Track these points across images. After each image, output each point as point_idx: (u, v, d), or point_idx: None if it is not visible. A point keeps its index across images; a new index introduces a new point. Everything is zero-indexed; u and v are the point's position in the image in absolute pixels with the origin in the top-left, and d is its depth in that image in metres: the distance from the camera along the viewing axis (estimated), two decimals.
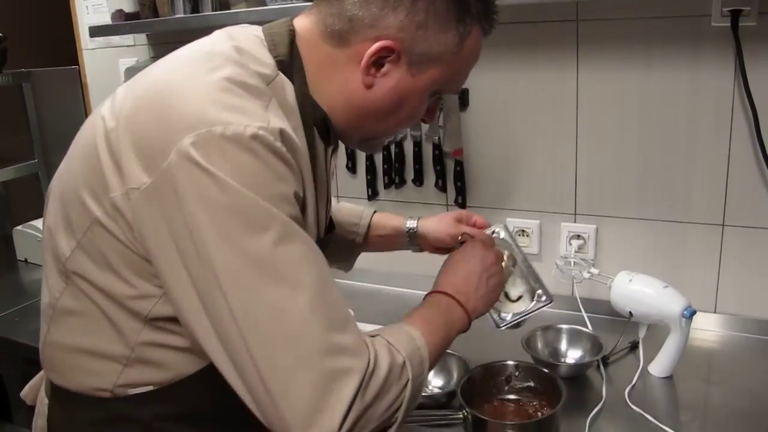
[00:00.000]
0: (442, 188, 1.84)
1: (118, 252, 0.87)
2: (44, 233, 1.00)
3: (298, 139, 0.89)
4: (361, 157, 1.93)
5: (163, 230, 0.82)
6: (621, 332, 1.50)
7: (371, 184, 1.92)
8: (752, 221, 1.57)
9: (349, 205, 1.47)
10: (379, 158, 1.89)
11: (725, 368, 1.48)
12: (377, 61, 0.95)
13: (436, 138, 1.79)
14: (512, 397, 1.32)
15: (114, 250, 0.88)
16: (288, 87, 0.95)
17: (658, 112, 1.60)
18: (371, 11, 0.93)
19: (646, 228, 1.67)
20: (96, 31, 2.11)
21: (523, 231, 1.79)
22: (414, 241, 1.43)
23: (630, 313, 1.44)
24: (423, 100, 1.01)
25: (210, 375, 0.87)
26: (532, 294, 1.31)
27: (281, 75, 0.94)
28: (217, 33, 0.98)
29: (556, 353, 1.51)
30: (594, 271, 1.57)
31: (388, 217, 1.45)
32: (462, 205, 1.82)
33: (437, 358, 1.00)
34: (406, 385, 0.89)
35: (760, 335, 1.59)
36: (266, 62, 0.94)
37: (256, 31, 0.99)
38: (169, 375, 0.93)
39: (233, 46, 0.92)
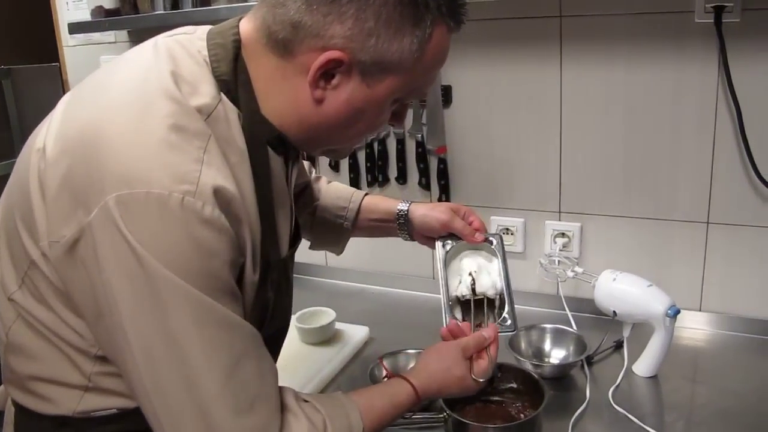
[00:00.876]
0: (426, 186, 1.83)
1: (56, 295, 0.85)
2: None
3: (243, 171, 0.87)
4: None
5: (85, 286, 0.81)
6: (605, 331, 1.48)
7: (354, 182, 1.90)
8: (737, 219, 1.56)
9: (340, 186, 1.41)
10: (362, 156, 1.87)
11: (710, 367, 1.47)
12: (326, 74, 0.87)
13: (420, 135, 1.78)
14: (495, 398, 1.30)
15: (52, 293, 0.86)
16: (231, 114, 0.88)
17: (642, 108, 1.59)
18: (316, 18, 0.84)
19: (631, 226, 1.66)
20: (76, 28, 2.09)
21: (507, 229, 1.78)
22: (404, 226, 1.36)
23: (614, 312, 1.42)
24: (382, 110, 0.94)
25: None
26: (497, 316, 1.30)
27: (223, 100, 0.88)
28: (157, 45, 0.91)
29: (540, 353, 1.50)
30: (578, 269, 1.56)
31: (379, 200, 1.39)
32: None
33: (376, 424, 0.99)
34: None
35: (745, 333, 1.58)
36: (205, 90, 0.87)
37: (200, 42, 0.92)
38: (130, 401, 0.90)
39: (171, 72, 0.85)
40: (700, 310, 1.64)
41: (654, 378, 1.41)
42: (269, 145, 0.94)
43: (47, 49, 2.50)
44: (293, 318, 1.55)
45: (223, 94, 0.88)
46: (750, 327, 1.58)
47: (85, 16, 2.19)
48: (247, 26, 0.92)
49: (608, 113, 1.62)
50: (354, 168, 1.89)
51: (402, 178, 1.85)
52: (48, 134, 0.86)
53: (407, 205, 1.35)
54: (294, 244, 1.11)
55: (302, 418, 0.88)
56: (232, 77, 0.89)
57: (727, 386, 1.38)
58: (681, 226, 1.62)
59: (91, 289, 0.80)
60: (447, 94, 1.75)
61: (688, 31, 1.50)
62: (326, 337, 1.59)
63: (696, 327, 1.62)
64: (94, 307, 0.81)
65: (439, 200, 1.81)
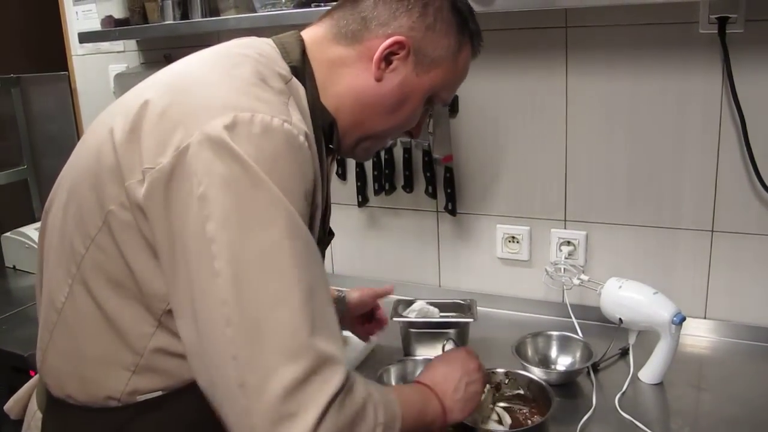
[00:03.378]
0: (432, 194, 1.84)
1: (131, 242, 0.86)
2: (47, 232, 0.99)
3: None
4: (351, 163, 1.93)
5: (173, 212, 0.82)
6: (611, 339, 1.50)
7: (361, 190, 1.92)
8: (741, 227, 1.57)
9: None
10: (369, 165, 1.89)
11: (715, 374, 1.48)
12: (387, 57, 1.02)
13: (426, 144, 1.79)
14: (502, 405, 1.31)
15: (130, 242, 0.86)
16: (301, 90, 0.98)
17: (646, 118, 1.60)
18: (385, 12, 1.02)
19: (636, 234, 1.68)
20: (85, 37, 2.11)
21: (513, 237, 1.79)
22: (340, 305, 1.47)
23: (620, 319, 1.44)
24: (421, 103, 1.07)
25: None
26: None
27: (295, 79, 0.98)
28: (231, 42, 1.02)
29: (546, 360, 1.51)
30: (584, 277, 1.57)
31: None
32: (452, 212, 1.82)
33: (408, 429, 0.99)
34: (376, 425, 0.87)
35: (750, 341, 1.59)
36: (283, 66, 0.97)
37: (267, 41, 1.03)
38: (178, 380, 0.91)
39: (254, 50, 0.97)
40: (705, 318, 1.65)
41: (660, 385, 1.42)
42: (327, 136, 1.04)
43: (56, 58, 2.52)
44: None
45: (293, 76, 0.98)
46: (755, 334, 1.59)
47: (94, 25, 2.22)
48: (311, 31, 1.07)
49: (613, 122, 1.63)
50: (361, 176, 1.90)
51: (409, 186, 1.86)
52: (124, 101, 0.93)
53: (343, 293, 1.49)
54: (325, 240, 1.18)
55: (360, 382, 0.88)
56: (301, 65, 1.01)
57: (733, 393, 1.39)
58: (686, 234, 1.63)
59: (184, 209, 0.81)
60: (453, 103, 1.76)
61: (692, 41, 1.52)
62: None
63: (701, 334, 1.63)
64: (176, 228, 0.82)
65: (446, 208, 1.82)
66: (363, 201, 1.93)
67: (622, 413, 1.31)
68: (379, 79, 1.03)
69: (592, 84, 1.63)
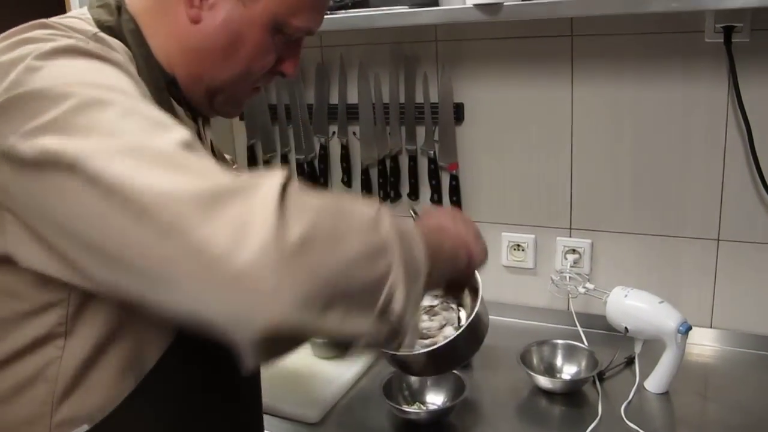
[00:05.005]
0: (438, 202, 1.84)
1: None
2: None
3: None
4: (356, 170, 1.93)
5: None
6: (616, 347, 1.49)
7: (367, 197, 1.92)
8: (747, 236, 1.57)
9: None
10: (374, 172, 1.89)
11: (721, 383, 1.48)
12: None
13: (432, 152, 1.80)
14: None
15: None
16: (114, 42, 0.84)
17: (652, 126, 1.60)
18: None
19: (642, 243, 1.67)
20: None
21: (518, 245, 1.79)
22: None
23: (626, 328, 1.44)
24: (263, 37, 0.90)
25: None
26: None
27: (101, 33, 0.83)
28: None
29: (551, 369, 1.51)
30: (589, 286, 1.57)
31: None
32: None
33: (431, 245, 0.82)
34: (377, 215, 0.72)
35: (755, 350, 1.58)
36: (85, 27, 0.83)
37: (82, 10, 0.89)
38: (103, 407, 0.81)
39: (47, 20, 0.82)
40: (710, 327, 1.64)
41: (665, 394, 1.41)
42: (173, 98, 0.91)
43: None
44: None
45: (100, 31, 0.84)
46: (761, 344, 1.58)
47: None
48: None
49: (619, 131, 1.63)
50: (366, 184, 1.91)
51: (414, 194, 1.86)
52: None
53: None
54: None
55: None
56: (116, 23, 0.87)
57: (739, 402, 1.38)
58: (691, 243, 1.63)
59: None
60: (459, 111, 1.76)
61: (697, 50, 1.52)
62: (339, 351, 1.60)
63: (707, 343, 1.62)
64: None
65: None
66: None
67: (628, 422, 1.31)
68: (196, 20, 0.87)
69: (598, 92, 1.63)
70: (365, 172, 1.90)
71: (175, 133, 0.69)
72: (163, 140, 0.67)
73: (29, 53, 0.72)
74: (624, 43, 1.58)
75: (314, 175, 1.98)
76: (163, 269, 0.63)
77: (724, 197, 1.57)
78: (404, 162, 1.86)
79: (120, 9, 0.89)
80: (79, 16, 0.87)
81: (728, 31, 1.46)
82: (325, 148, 1.95)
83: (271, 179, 0.65)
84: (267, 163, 2.03)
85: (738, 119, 1.51)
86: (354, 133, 1.90)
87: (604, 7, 1.37)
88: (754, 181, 1.53)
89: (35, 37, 0.76)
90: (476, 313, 1.07)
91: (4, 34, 0.79)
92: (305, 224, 0.64)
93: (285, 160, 2.01)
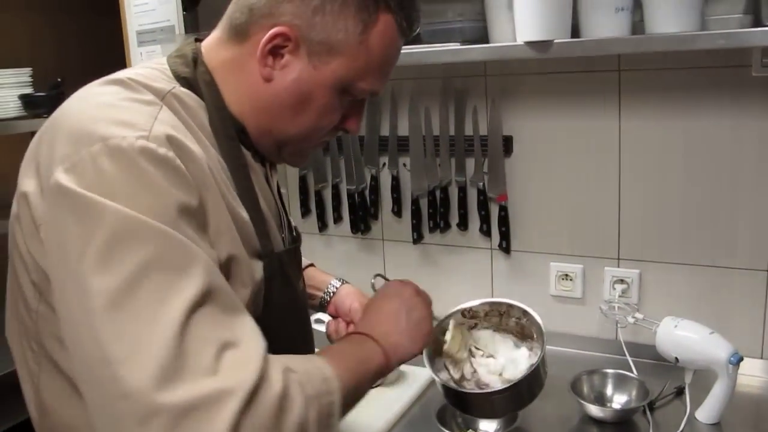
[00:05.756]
0: (487, 233, 1.88)
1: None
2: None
3: (203, 150, 0.87)
4: (406, 201, 1.98)
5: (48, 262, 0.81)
6: (666, 377, 1.51)
7: (416, 227, 1.96)
8: None
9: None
10: (424, 203, 1.94)
11: None
12: (275, 51, 0.92)
13: (481, 183, 1.84)
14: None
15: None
16: (188, 97, 0.91)
17: (700, 158, 1.63)
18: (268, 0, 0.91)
19: (690, 273, 1.69)
20: None
21: (566, 275, 1.82)
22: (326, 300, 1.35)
23: (676, 358, 1.45)
24: (331, 97, 0.95)
25: None
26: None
27: (179, 87, 0.91)
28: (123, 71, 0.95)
29: (602, 398, 1.53)
30: (639, 315, 1.59)
31: (316, 272, 1.39)
32: (506, 249, 1.86)
33: (353, 389, 0.92)
34: (307, 402, 0.80)
35: None
36: (162, 82, 0.90)
37: (161, 60, 0.97)
38: None
39: (130, 72, 0.91)
40: (761, 358, 1.65)
41: (717, 425, 1.42)
42: (242, 144, 0.97)
43: None
44: None
45: (178, 84, 0.91)
46: None
47: None
48: (212, 34, 0.99)
49: (666, 162, 1.66)
50: (416, 214, 1.95)
51: (463, 224, 1.90)
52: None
53: (339, 282, 1.36)
54: (293, 242, 1.13)
55: (275, 368, 0.79)
56: (192, 75, 0.94)
57: None
58: (741, 274, 1.64)
59: (52, 257, 0.79)
60: (508, 143, 1.81)
61: (745, 83, 1.54)
62: (390, 379, 1.64)
63: (758, 374, 1.62)
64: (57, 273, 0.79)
65: (500, 246, 1.86)
66: (418, 238, 1.97)
67: None
68: (268, 79, 0.93)
69: (645, 125, 1.66)
70: (415, 203, 1.95)
71: (191, 288, 0.75)
72: (168, 309, 0.73)
73: (103, 136, 0.78)
74: (671, 77, 1.61)
75: (365, 205, 2.03)
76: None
77: None
78: (454, 193, 1.90)
79: (196, 61, 0.96)
80: (158, 67, 0.95)
81: None
82: (375, 179, 2.01)
83: (238, 391, 0.72)
84: (318, 193, 2.09)
85: None
86: (404, 165, 1.95)
87: (652, 44, 1.41)
88: None
89: (111, 102, 0.84)
90: (539, 365, 1.17)
91: (82, 90, 0.89)
92: None
93: (336, 190, 2.07)
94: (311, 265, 1.41)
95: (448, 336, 1.22)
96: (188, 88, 0.93)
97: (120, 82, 0.88)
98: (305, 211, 2.13)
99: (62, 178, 0.77)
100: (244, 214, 0.93)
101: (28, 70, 2.59)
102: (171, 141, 0.81)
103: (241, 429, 0.71)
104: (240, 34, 0.94)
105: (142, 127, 0.80)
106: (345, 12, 0.91)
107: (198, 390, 0.70)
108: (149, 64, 0.97)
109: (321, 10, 0.90)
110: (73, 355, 0.77)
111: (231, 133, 0.95)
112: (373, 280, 1.32)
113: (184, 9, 2.25)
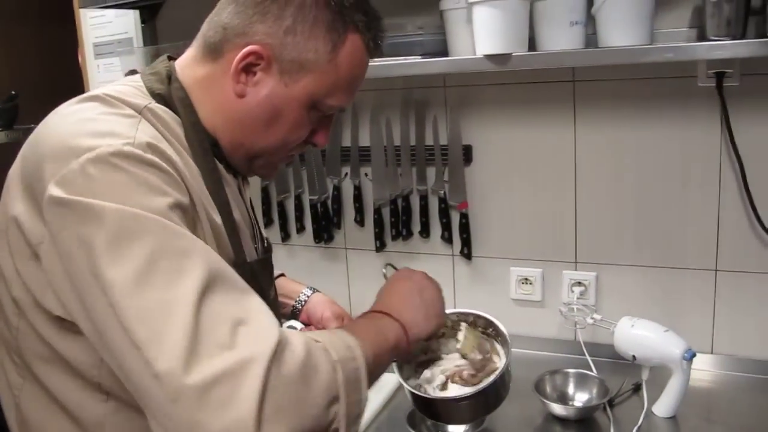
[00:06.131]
0: (448, 240, 1.93)
1: (44, 319, 0.88)
2: None
3: (184, 162, 0.90)
4: (369, 210, 2.01)
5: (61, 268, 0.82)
6: (624, 375, 1.58)
7: (379, 236, 2.00)
8: (743, 266, 1.67)
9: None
10: (386, 211, 1.98)
11: (724, 407, 1.56)
12: (248, 68, 0.95)
13: (442, 192, 1.89)
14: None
15: (39, 319, 0.88)
16: (164, 112, 0.94)
17: (651, 165, 1.70)
18: (242, 18, 0.95)
19: (644, 274, 1.76)
20: None
21: (526, 279, 1.88)
22: (297, 309, 1.39)
23: (633, 356, 1.52)
24: (301, 113, 0.99)
25: None
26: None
27: (154, 102, 0.94)
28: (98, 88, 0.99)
29: (564, 396, 1.59)
30: (597, 317, 1.65)
31: (287, 282, 1.42)
32: (468, 256, 1.91)
33: (374, 359, 0.93)
34: (333, 365, 0.83)
35: (755, 374, 1.67)
36: (138, 97, 0.93)
37: (135, 77, 1.00)
38: None
39: (107, 89, 0.94)
40: (712, 353, 1.73)
41: (673, 418, 1.49)
42: (216, 157, 1.00)
43: None
44: None
45: (154, 100, 0.95)
46: (760, 368, 1.67)
47: (115, 77, 2.31)
48: (185, 53, 1.03)
49: (619, 169, 1.73)
50: (378, 223, 1.99)
51: (425, 232, 1.95)
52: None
53: (311, 291, 1.41)
54: (265, 253, 1.17)
55: (297, 335, 0.84)
56: (167, 92, 0.97)
57: (742, 424, 1.46)
58: (691, 274, 1.72)
59: (66, 262, 0.81)
60: (468, 152, 1.86)
61: (691, 93, 1.62)
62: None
63: (709, 369, 1.71)
64: (68, 284, 0.81)
65: (461, 252, 1.91)
66: (381, 246, 2.01)
67: None
68: (241, 95, 0.96)
69: (599, 133, 1.73)
70: (377, 212, 1.98)
71: (198, 270, 0.78)
72: (181, 291, 0.76)
73: (89, 147, 0.81)
74: (623, 88, 1.69)
75: (327, 215, 2.06)
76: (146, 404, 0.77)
77: (721, 230, 1.67)
78: (415, 201, 1.95)
79: (170, 78, 0.99)
80: (132, 84, 0.98)
81: (719, 76, 1.57)
82: (338, 189, 2.04)
83: (260, 358, 0.75)
84: (280, 203, 2.11)
85: (731, 157, 1.61)
86: (366, 174, 1.99)
87: (605, 58, 1.48)
88: (748, 215, 1.63)
89: (91, 117, 0.87)
90: (504, 373, 1.19)
91: (60, 108, 0.92)
92: (282, 417, 0.75)
93: (298, 200, 2.10)
94: (282, 274, 1.44)
95: (461, 336, 1.25)
96: (163, 104, 0.96)
97: (97, 98, 0.91)
98: (268, 222, 2.15)
99: (54, 191, 0.79)
100: (219, 222, 0.96)
101: None
102: (154, 149, 0.85)
103: (269, 391, 0.74)
104: (214, 52, 0.98)
105: (126, 135, 0.84)
106: (315, 32, 0.95)
107: (219, 364, 0.73)
108: (123, 81, 1.00)
109: (292, 31, 0.94)
110: (105, 351, 0.80)
111: (205, 146, 0.97)
112: (384, 270, 1.33)
113: (143, 21, 2.25)
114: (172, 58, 1.05)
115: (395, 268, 1.28)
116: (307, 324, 1.35)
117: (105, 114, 0.88)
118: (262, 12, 0.94)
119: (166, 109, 0.95)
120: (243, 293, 0.83)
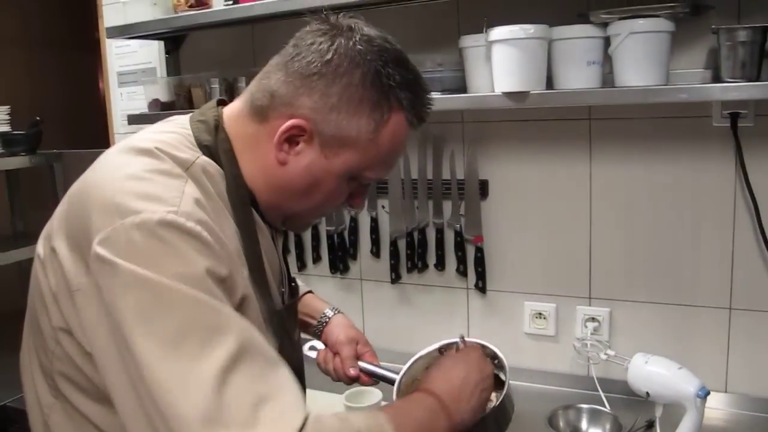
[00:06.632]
0: (463, 273, 1.95)
1: (79, 352, 0.91)
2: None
3: (223, 220, 0.94)
4: (385, 242, 2.04)
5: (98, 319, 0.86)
6: (637, 411, 1.58)
7: (394, 268, 2.02)
8: (757, 305, 1.67)
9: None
10: (402, 244, 2.00)
11: None
12: (291, 139, 0.98)
13: (458, 226, 1.91)
14: None
15: (75, 349, 0.91)
16: (211, 167, 0.97)
17: (665, 203, 1.72)
18: (289, 89, 0.97)
19: (658, 311, 1.77)
20: (134, 120, 2.22)
21: (540, 314, 1.89)
22: (320, 328, 1.40)
23: (647, 393, 1.51)
24: (339, 184, 1.02)
25: None
26: None
27: (203, 157, 0.97)
28: (146, 129, 1.03)
29: None
30: (610, 352, 1.65)
31: (313, 299, 1.45)
32: (482, 289, 1.92)
33: None
34: None
35: None
36: (186, 151, 0.96)
37: (184, 120, 1.03)
38: None
39: (157, 138, 0.96)
40: (725, 392, 1.73)
41: None
42: (255, 210, 1.03)
43: (98, 136, 2.66)
44: (342, 397, 1.64)
45: (202, 154, 0.98)
46: None
47: (137, 105, 2.36)
48: (234, 104, 1.05)
49: (634, 206, 1.75)
50: (394, 255, 2.01)
51: (441, 265, 1.97)
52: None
53: (332, 312, 1.42)
54: (291, 297, 1.20)
55: (329, 417, 0.85)
56: (213, 143, 1.00)
57: None
58: (706, 312, 1.72)
59: (98, 325, 0.85)
60: (484, 187, 1.89)
61: (706, 133, 1.65)
62: None
63: (722, 407, 1.70)
64: (102, 338, 0.84)
65: (476, 286, 1.93)
66: (396, 278, 2.03)
67: None
68: (283, 163, 0.99)
69: (615, 171, 1.76)
70: (393, 244, 2.01)
71: (227, 345, 0.81)
72: (206, 366, 0.79)
73: (135, 210, 0.84)
74: (638, 127, 1.71)
75: (344, 245, 2.09)
76: None
77: (735, 269, 1.68)
78: (431, 234, 1.97)
79: (217, 128, 1.02)
80: (180, 131, 1.00)
81: (734, 117, 1.59)
82: (354, 221, 2.06)
83: None
84: (297, 234, 2.14)
85: (745, 196, 1.63)
86: (383, 207, 2.02)
87: (621, 97, 1.51)
88: (762, 254, 1.64)
89: (141, 176, 0.89)
90: (504, 399, 1.17)
91: (112, 155, 0.96)
92: None
93: (315, 230, 2.12)
94: (309, 291, 1.47)
95: None
96: (209, 156, 0.99)
97: (148, 153, 0.94)
98: (284, 251, 2.17)
99: (99, 249, 0.83)
100: (248, 276, 0.98)
101: (5, 109, 2.61)
102: (197, 219, 0.87)
103: None
104: (260, 114, 1.00)
105: (171, 202, 0.86)
106: (359, 112, 0.97)
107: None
108: (171, 127, 1.03)
109: (337, 109, 0.97)
110: (121, 413, 0.83)
111: (245, 200, 1.01)
112: (459, 340, 1.27)
113: (167, 52, 2.30)
114: (222, 103, 1.08)
115: (464, 342, 1.26)
116: (326, 344, 1.37)
117: (153, 172, 0.90)
118: (309, 86, 0.96)
119: (212, 162, 0.98)
120: (271, 367, 0.84)
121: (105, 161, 0.96)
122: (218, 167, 0.99)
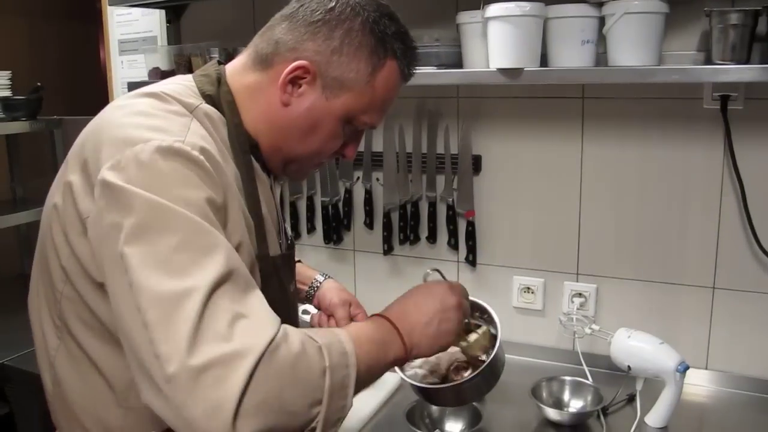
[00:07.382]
0: (454, 246, 1.98)
1: (90, 287, 0.96)
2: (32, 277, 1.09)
3: (224, 161, 0.98)
4: (378, 214, 2.07)
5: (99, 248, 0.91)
6: (619, 385, 1.62)
7: (387, 239, 2.05)
8: (740, 285, 1.71)
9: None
10: (395, 216, 2.03)
11: (716, 421, 1.60)
12: (294, 80, 1.05)
13: (450, 200, 1.94)
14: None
15: (84, 286, 0.97)
16: (213, 113, 1.03)
17: (654, 182, 1.75)
18: (294, 35, 1.04)
19: (643, 288, 1.81)
20: (134, 87, 2.16)
21: (528, 288, 1.93)
22: (311, 294, 1.44)
23: (628, 367, 1.56)
24: (337, 126, 1.08)
25: None
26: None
27: (205, 104, 1.03)
28: (155, 83, 1.08)
29: (559, 403, 1.63)
30: (595, 327, 1.69)
31: (303, 267, 1.47)
32: (472, 263, 1.96)
33: (367, 371, 0.96)
34: (324, 370, 0.88)
35: (748, 391, 1.71)
36: (191, 97, 1.03)
37: (188, 77, 1.10)
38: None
39: (162, 86, 1.04)
40: (706, 368, 1.77)
41: (664, 429, 1.53)
42: (255, 158, 1.09)
43: (98, 103, 2.67)
44: None
45: (204, 101, 1.04)
46: (752, 385, 1.71)
47: (137, 73, 2.38)
48: (235, 60, 1.12)
49: (623, 185, 1.78)
50: (387, 227, 2.04)
51: (432, 237, 2.00)
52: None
53: (323, 277, 1.46)
54: (288, 249, 1.23)
55: (295, 332, 0.89)
56: (216, 94, 1.07)
57: None
58: (689, 290, 1.76)
59: (105, 243, 0.88)
60: (477, 162, 1.91)
61: (696, 115, 1.67)
62: None
63: (702, 384, 1.75)
64: (106, 260, 0.89)
65: (466, 259, 1.96)
66: (388, 249, 2.06)
67: None
68: (286, 104, 1.05)
69: (605, 150, 1.78)
70: (387, 216, 2.04)
71: (216, 266, 0.85)
72: (195, 283, 0.83)
73: (144, 139, 0.90)
74: (630, 106, 1.74)
75: (338, 216, 2.12)
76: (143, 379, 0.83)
77: (719, 249, 1.71)
78: (424, 208, 2.00)
79: (220, 81, 1.09)
80: (185, 83, 1.07)
81: (724, 99, 1.62)
82: (349, 192, 2.09)
83: (252, 351, 0.81)
84: (292, 204, 2.17)
85: (732, 179, 1.66)
86: (377, 179, 2.05)
87: (614, 76, 1.53)
88: (747, 236, 1.67)
89: (150, 112, 0.96)
90: (495, 354, 1.23)
91: (121, 99, 1.02)
92: (261, 410, 0.80)
93: (310, 201, 2.15)
94: (298, 261, 1.49)
95: (472, 338, 1.29)
96: (211, 104, 1.05)
97: (155, 95, 1.01)
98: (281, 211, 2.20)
99: (107, 174, 0.88)
100: (249, 218, 1.04)
101: (6, 74, 2.62)
102: (201, 149, 0.93)
103: (254, 384, 0.80)
104: (264, 62, 1.07)
105: (177, 133, 0.93)
106: (359, 55, 1.05)
107: (213, 353, 0.79)
108: (176, 80, 1.10)
109: (339, 51, 1.04)
110: (119, 324, 0.87)
111: (245, 147, 1.07)
112: (429, 271, 1.32)
113: (168, 21, 2.31)
114: (222, 63, 1.14)
115: (443, 277, 1.30)
116: (318, 308, 1.41)
117: (160, 110, 0.97)
118: (314, 32, 1.04)
119: (215, 110, 1.05)
120: (251, 291, 0.89)
121: (115, 104, 1.02)
122: (220, 114, 1.05)
